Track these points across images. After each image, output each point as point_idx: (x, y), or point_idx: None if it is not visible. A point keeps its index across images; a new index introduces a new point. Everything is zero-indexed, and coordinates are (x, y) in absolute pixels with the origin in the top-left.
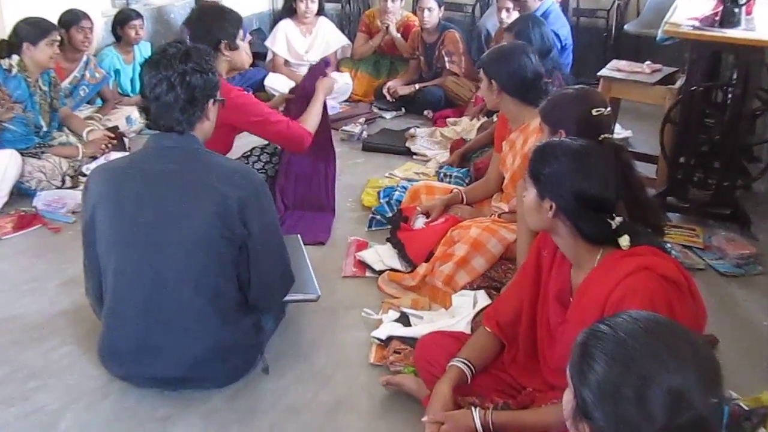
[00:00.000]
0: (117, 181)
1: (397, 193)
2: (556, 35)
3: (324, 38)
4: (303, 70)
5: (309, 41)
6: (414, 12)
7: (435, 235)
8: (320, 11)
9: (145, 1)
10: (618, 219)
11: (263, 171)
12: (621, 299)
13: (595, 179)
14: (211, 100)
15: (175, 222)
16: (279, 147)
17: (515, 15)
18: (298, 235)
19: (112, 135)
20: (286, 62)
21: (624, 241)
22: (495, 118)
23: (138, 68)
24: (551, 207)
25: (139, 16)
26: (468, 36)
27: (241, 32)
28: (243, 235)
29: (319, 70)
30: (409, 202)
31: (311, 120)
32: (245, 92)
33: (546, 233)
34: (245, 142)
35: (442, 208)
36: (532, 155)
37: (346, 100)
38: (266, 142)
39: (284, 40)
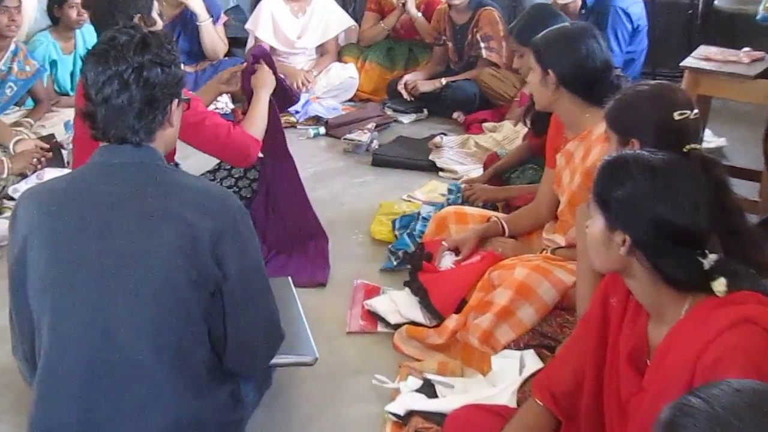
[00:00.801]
0: (54, 208)
1: (418, 222)
2: (626, 14)
3: (321, 19)
4: (295, 61)
5: (302, 23)
6: None
7: (468, 278)
8: None
9: None
10: (711, 256)
11: (235, 191)
12: (716, 362)
13: (680, 204)
14: (175, 101)
15: (128, 262)
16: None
17: None
18: (288, 278)
19: (47, 146)
20: (273, 50)
21: (719, 285)
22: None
23: (80, 60)
24: (624, 241)
25: None
26: (510, 14)
27: (157, 3)
28: (217, 279)
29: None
30: (434, 234)
31: (255, 124)
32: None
33: (615, 275)
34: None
35: (477, 241)
36: (598, 173)
37: (350, 100)
38: None
39: (270, 21)
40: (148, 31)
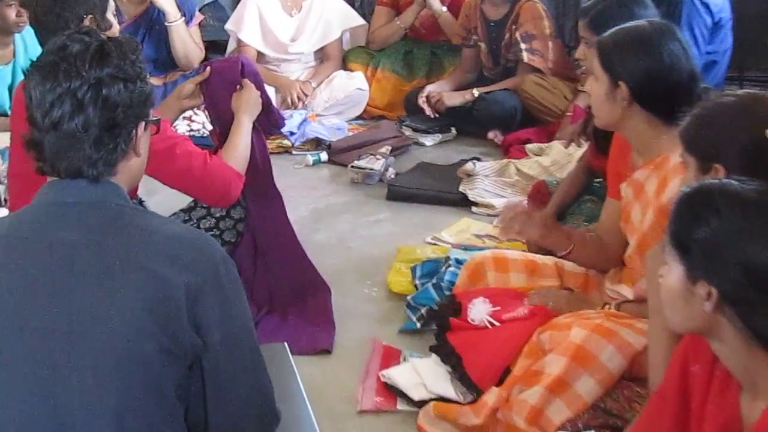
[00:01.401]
0: None
1: (446, 270)
2: (705, 5)
3: (321, 16)
4: (289, 70)
5: (297, 22)
6: None
7: (512, 341)
8: None
9: None
10: None
11: (216, 235)
12: None
13: None
14: (142, 124)
15: (84, 329)
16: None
17: None
18: (284, 344)
19: None
20: (261, 56)
21: None
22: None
23: (20, 72)
24: (708, 294)
25: None
26: (558, 7)
27: (112, 2)
28: (195, 347)
29: (229, 72)
30: (467, 285)
31: (237, 155)
32: None
33: (697, 337)
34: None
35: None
36: (674, 209)
37: (358, 117)
38: None
39: (256, 20)
40: (106, 37)
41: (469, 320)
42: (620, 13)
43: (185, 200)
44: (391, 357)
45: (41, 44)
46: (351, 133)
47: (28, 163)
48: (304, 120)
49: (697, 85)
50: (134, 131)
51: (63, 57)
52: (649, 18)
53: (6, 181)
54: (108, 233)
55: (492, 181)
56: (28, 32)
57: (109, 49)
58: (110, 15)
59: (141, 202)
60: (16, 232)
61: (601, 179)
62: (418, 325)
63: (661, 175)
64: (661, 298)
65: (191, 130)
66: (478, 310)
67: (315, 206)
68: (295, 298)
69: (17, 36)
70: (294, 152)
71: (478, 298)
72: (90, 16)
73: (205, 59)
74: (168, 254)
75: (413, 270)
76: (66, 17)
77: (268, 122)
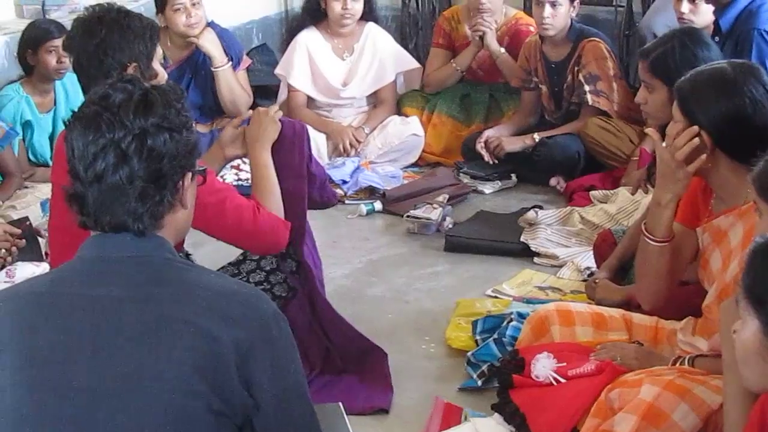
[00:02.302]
0: (29, 318)
1: (510, 324)
2: None
3: (374, 59)
4: (341, 115)
5: (349, 65)
6: (527, 10)
7: (580, 399)
8: (368, 13)
9: (73, 5)
10: None
11: (267, 289)
12: None
13: None
14: (188, 175)
15: (128, 387)
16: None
17: (705, 9)
18: (339, 404)
19: (18, 232)
20: (311, 102)
21: None
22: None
23: (61, 121)
24: None
25: (63, 31)
26: (622, 47)
27: (160, 49)
28: (246, 407)
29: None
30: (531, 340)
31: (270, 197)
32: None
33: None
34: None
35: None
36: (749, 261)
37: (413, 164)
38: None
39: (306, 64)
40: (150, 85)
41: (533, 376)
42: (683, 55)
43: (233, 252)
44: (452, 416)
45: (84, 92)
46: (406, 181)
47: (69, 215)
48: (357, 168)
49: None
50: (180, 182)
51: (106, 107)
52: (713, 58)
53: (47, 234)
54: (153, 288)
55: (555, 231)
56: (70, 79)
57: (153, 98)
58: (156, 63)
59: (188, 255)
60: (58, 288)
61: None
62: (479, 382)
63: (747, 225)
64: (737, 355)
65: (239, 179)
66: (542, 366)
67: (369, 258)
68: (351, 358)
69: (58, 83)
70: (347, 201)
71: (542, 353)
72: (134, 64)
73: (254, 105)
74: (217, 310)
75: (474, 325)
76: (109, 64)
77: (321, 198)
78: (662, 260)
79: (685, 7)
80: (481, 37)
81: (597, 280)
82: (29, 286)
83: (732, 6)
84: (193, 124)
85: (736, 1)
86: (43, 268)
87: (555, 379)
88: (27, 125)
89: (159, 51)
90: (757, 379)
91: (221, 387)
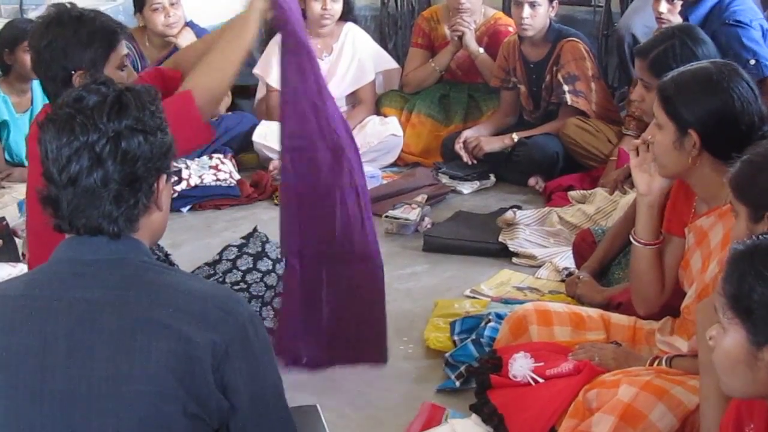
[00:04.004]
0: (7, 322)
1: (488, 325)
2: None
3: (353, 59)
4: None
5: (327, 66)
6: (506, 11)
7: (558, 399)
8: (347, 13)
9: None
10: None
11: (243, 288)
12: None
13: None
14: (163, 177)
15: (104, 390)
16: (271, 243)
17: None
18: (317, 406)
19: None
20: None
21: None
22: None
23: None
24: None
25: None
26: (600, 47)
27: (117, 54)
28: (222, 410)
29: None
30: (509, 339)
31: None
32: None
33: (756, 401)
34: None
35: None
36: (730, 268)
37: (392, 164)
38: (243, 239)
39: None
40: (124, 87)
41: (511, 376)
42: (684, 53)
43: (211, 252)
44: (434, 417)
45: (44, 92)
46: (385, 182)
47: (43, 218)
48: None
49: (765, 128)
50: (156, 185)
51: (79, 109)
52: (711, 55)
53: (24, 235)
54: (129, 291)
55: (533, 231)
56: None
57: (127, 100)
58: (112, 69)
59: (167, 255)
60: (33, 291)
61: None
62: (457, 383)
63: (727, 225)
64: (715, 362)
65: (217, 180)
66: (520, 366)
67: None
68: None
69: (35, 83)
70: None
71: (519, 353)
72: (80, 71)
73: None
74: (193, 313)
75: (452, 326)
76: (54, 69)
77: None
78: (650, 263)
79: (664, 6)
80: (460, 37)
81: (580, 277)
82: (3, 290)
83: (702, 3)
84: (167, 126)
85: None
86: (20, 268)
87: (533, 378)
88: (4, 125)
89: (118, 56)
90: (741, 387)
91: (197, 390)
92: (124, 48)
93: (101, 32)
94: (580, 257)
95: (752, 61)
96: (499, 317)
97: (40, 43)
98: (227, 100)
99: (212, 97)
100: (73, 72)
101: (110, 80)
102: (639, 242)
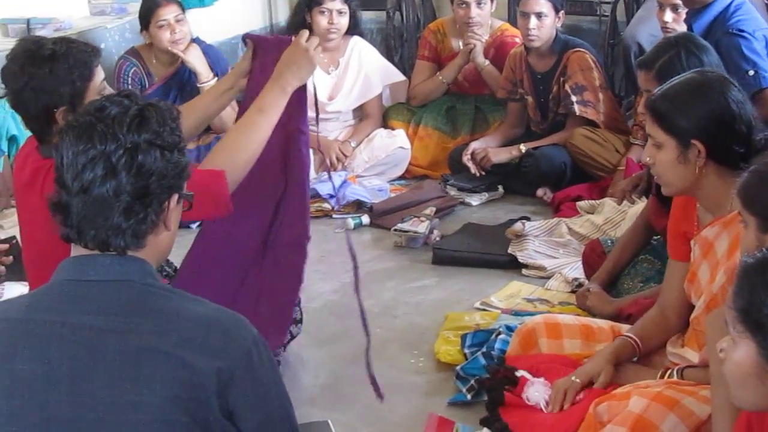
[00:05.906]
0: (8, 347)
1: (498, 337)
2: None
3: (359, 73)
4: (327, 129)
5: (334, 80)
6: (512, 22)
7: (569, 418)
8: (353, 27)
9: (57, 23)
10: None
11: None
12: None
13: None
14: (175, 196)
15: (109, 419)
16: None
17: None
18: (328, 422)
19: (6, 246)
20: None
21: None
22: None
23: None
24: None
25: None
26: (607, 56)
27: (95, 82)
28: None
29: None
30: (519, 351)
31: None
32: None
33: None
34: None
35: (612, 369)
36: (740, 281)
37: (400, 177)
38: None
39: None
40: (148, 103)
41: (524, 397)
42: (690, 61)
43: None
44: (444, 430)
45: (26, 124)
46: (393, 195)
47: (45, 231)
48: (344, 182)
49: (755, 134)
50: (166, 203)
51: (100, 118)
52: (715, 63)
53: None
54: (133, 318)
55: (542, 242)
56: None
57: (149, 115)
58: (95, 96)
59: (176, 270)
60: (34, 314)
61: (658, 237)
62: (469, 396)
63: (732, 234)
64: (726, 375)
65: None
66: (537, 391)
67: None
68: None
69: None
70: (334, 216)
71: (539, 379)
72: (62, 108)
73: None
74: (197, 340)
75: (463, 339)
76: (35, 109)
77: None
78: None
79: (669, 16)
80: (470, 50)
81: (590, 288)
82: (4, 311)
83: (706, 11)
84: (185, 147)
85: (710, 7)
86: (21, 289)
87: (546, 405)
88: (12, 140)
89: (96, 84)
90: (753, 400)
91: (202, 417)
92: (101, 73)
93: (77, 67)
94: (589, 268)
95: (751, 72)
96: (510, 330)
97: (16, 84)
98: (234, 115)
99: (235, 183)
100: (54, 110)
101: (134, 93)
102: None
